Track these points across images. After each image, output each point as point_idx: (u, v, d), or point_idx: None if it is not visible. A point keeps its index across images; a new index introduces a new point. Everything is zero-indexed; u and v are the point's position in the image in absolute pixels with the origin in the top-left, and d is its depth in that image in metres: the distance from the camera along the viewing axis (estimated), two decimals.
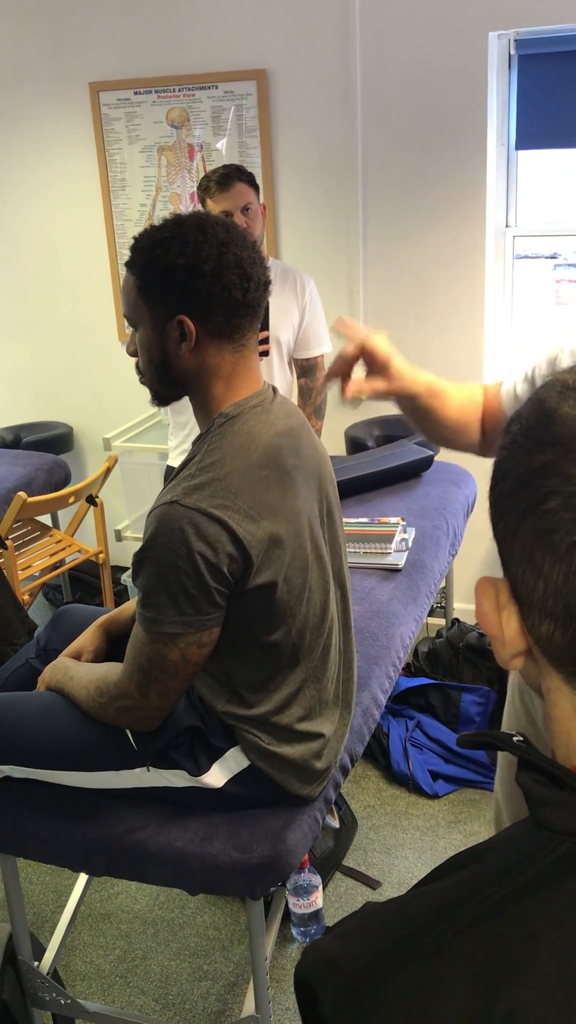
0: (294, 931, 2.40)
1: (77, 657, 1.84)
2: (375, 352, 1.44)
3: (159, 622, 1.46)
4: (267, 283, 1.54)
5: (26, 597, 3.40)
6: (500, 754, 1.61)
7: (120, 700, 1.58)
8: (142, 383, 1.59)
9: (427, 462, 3.15)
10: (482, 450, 1.58)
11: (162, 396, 1.60)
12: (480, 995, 0.51)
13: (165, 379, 1.55)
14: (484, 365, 3.50)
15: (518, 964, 0.51)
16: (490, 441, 1.56)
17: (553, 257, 3.51)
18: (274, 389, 1.64)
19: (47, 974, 2.03)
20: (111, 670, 1.63)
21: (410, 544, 2.65)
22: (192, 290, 1.46)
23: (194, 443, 1.56)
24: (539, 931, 0.52)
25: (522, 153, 3.34)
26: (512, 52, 3.20)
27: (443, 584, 3.34)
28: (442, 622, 3.53)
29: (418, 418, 1.53)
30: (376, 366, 1.45)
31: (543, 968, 0.50)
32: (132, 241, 1.53)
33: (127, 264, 1.52)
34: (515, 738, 0.60)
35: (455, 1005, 0.51)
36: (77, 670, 1.73)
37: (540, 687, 0.62)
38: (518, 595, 0.60)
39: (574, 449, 0.55)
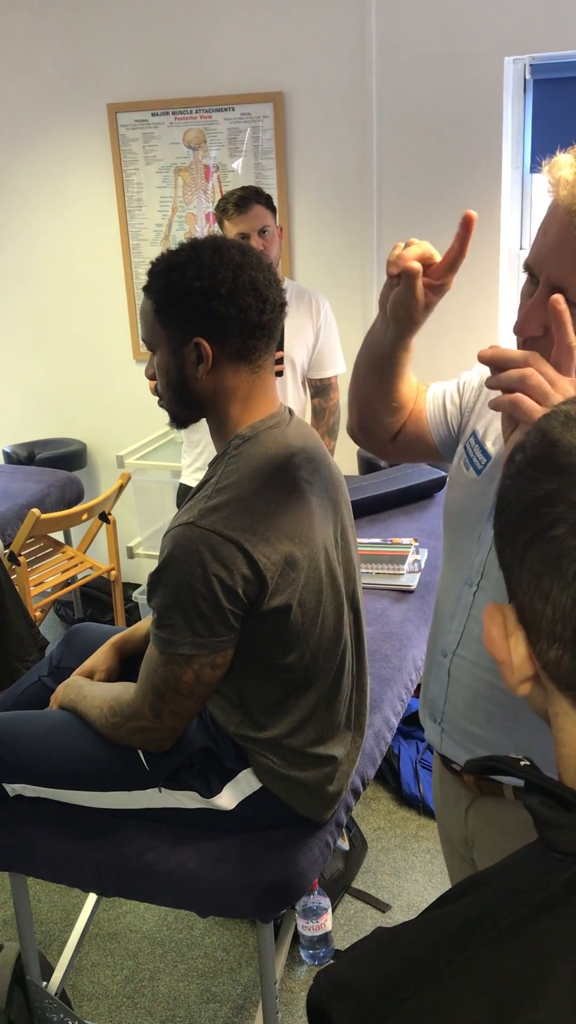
0: (303, 953, 2.38)
1: (90, 676, 1.84)
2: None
3: (174, 643, 1.46)
4: (283, 305, 1.55)
5: (38, 613, 3.41)
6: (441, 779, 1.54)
7: (133, 720, 1.58)
8: (160, 406, 1.60)
9: (439, 483, 3.15)
10: (386, 447, 1.49)
11: (180, 418, 1.61)
12: (493, 1017, 0.51)
13: (183, 401, 1.56)
14: None
15: (531, 986, 0.51)
16: (399, 442, 1.46)
17: None
18: (290, 411, 1.65)
19: (55, 994, 2.02)
20: (124, 690, 1.63)
21: (423, 565, 2.65)
22: (208, 313, 1.47)
23: (210, 464, 1.57)
24: (551, 953, 0.52)
25: (536, 176, 3.36)
26: (527, 77, 3.22)
27: None
28: None
29: (381, 372, 1.38)
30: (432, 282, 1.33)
31: (556, 989, 0.51)
32: (149, 265, 1.55)
33: (144, 288, 1.54)
34: (521, 762, 0.61)
35: None
36: (90, 689, 1.73)
37: (546, 712, 0.63)
38: (526, 621, 0.61)
39: None
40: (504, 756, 0.62)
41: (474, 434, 1.38)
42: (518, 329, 1.18)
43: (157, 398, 1.60)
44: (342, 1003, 0.58)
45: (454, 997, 0.53)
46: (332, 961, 2.38)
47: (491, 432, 1.36)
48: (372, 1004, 0.56)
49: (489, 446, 1.34)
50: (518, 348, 1.18)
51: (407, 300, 1.28)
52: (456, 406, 1.46)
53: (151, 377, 1.59)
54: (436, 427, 1.46)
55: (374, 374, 1.39)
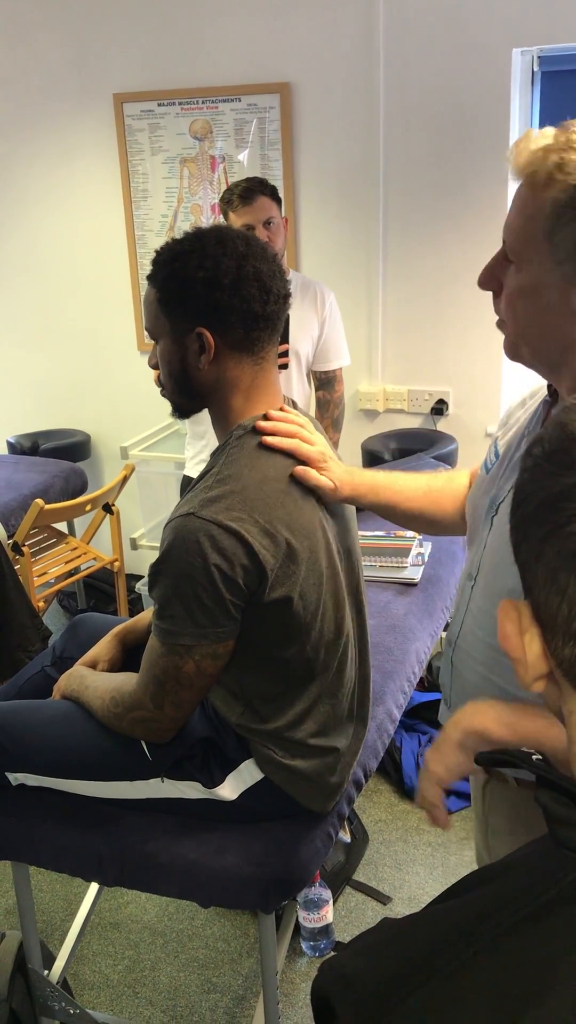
0: (304, 945, 2.39)
1: (93, 666, 1.85)
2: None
3: (175, 633, 1.46)
4: (287, 296, 1.54)
5: (41, 604, 3.41)
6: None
7: (135, 711, 1.58)
8: (163, 395, 1.60)
9: None
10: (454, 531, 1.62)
11: (183, 408, 1.60)
12: (499, 1015, 0.51)
13: (185, 391, 1.56)
14: (502, 382, 3.49)
15: (538, 985, 0.51)
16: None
17: None
18: (294, 403, 1.64)
19: (57, 983, 2.03)
20: (127, 680, 1.63)
21: (426, 558, 2.65)
22: (211, 303, 1.46)
23: (212, 455, 1.57)
24: (559, 952, 0.51)
25: None
26: (535, 69, 3.20)
27: None
28: None
29: (387, 515, 1.62)
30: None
31: (563, 989, 0.50)
32: (153, 254, 1.54)
33: (148, 277, 1.53)
34: (534, 756, 0.60)
35: None
36: (93, 679, 1.73)
37: (560, 710, 0.62)
38: (541, 618, 0.60)
39: None
40: (516, 750, 0.61)
41: (495, 445, 1.44)
42: (478, 283, 1.28)
43: (160, 388, 1.60)
44: (346, 995, 0.58)
45: (460, 993, 0.53)
46: (334, 952, 2.38)
47: (506, 434, 1.40)
48: (376, 997, 0.56)
49: (500, 446, 1.38)
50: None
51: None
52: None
53: (154, 366, 1.59)
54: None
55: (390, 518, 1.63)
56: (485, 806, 1.45)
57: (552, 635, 0.59)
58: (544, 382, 1.32)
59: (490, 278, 1.24)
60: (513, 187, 1.20)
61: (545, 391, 1.33)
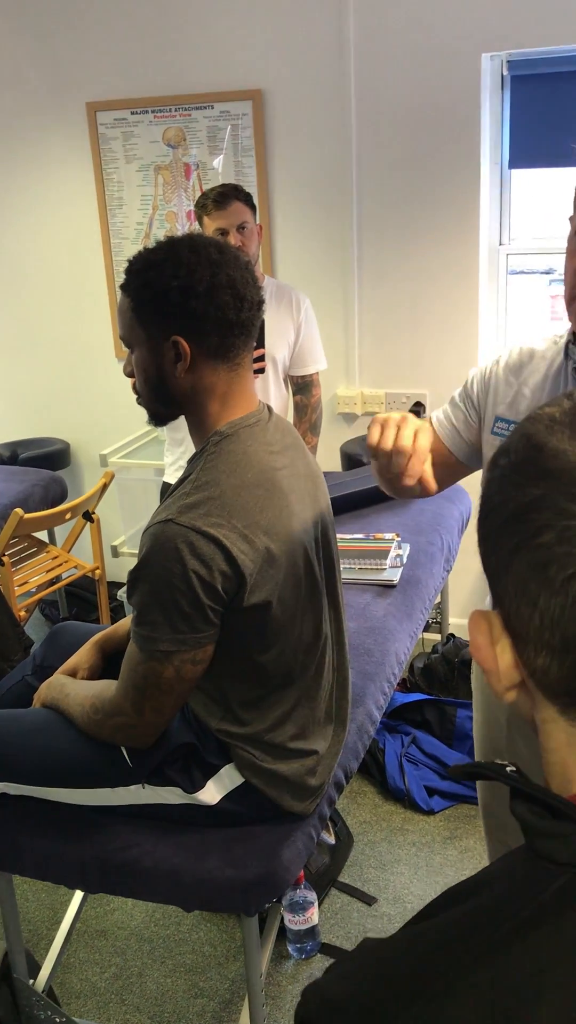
0: (290, 947, 2.39)
1: (73, 674, 1.85)
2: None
3: (154, 640, 1.47)
4: (261, 303, 1.55)
5: (22, 613, 3.41)
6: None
7: (115, 717, 1.59)
8: (139, 403, 1.61)
9: None
10: (424, 495, 1.57)
11: (159, 416, 1.61)
12: None
13: (161, 399, 1.57)
14: None
15: (525, 1002, 0.50)
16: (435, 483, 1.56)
17: (548, 272, 3.54)
18: (269, 408, 1.65)
19: (42, 992, 2.03)
20: (106, 687, 1.64)
21: (405, 560, 2.67)
22: (186, 311, 1.47)
23: (189, 461, 1.58)
24: (544, 967, 0.51)
25: (515, 171, 3.38)
26: (505, 73, 3.24)
27: (438, 600, 3.35)
28: (437, 637, 3.54)
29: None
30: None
31: (550, 1004, 0.50)
32: (127, 263, 1.55)
33: (122, 286, 1.54)
34: (508, 768, 0.59)
35: None
36: (73, 687, 1.73)
37: (533, 718, 0.62)
38: (512, 628, 0.59)
39: (565, 483, 0.55)
40: (490, 762, 0.60)
41: (501, 419, 1.47)
42: (568, 298, 1.34)
43: (136, 396, 1.61)
44: (331, 1020, 0.57)
45: (446, 1014, 0.52)
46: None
47: (519, 406, 1.46)
48: (362, 1022, 0.55)
49: (506, 411, 1.44)
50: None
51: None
52: (464, 410, 1.60)
53: (129, 375, 1.60)
54: (456, 446, 1.61)
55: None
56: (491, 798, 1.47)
57: (524, 645, 0.58)
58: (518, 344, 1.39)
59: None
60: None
61: (540, 348, 1.44)
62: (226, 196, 2.79)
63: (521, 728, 1.61)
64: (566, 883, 0.54)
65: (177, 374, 1.52)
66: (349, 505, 3.05)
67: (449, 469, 1.62)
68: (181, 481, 1.55)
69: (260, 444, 1.55)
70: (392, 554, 2.65)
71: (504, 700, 0.62)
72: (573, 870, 0.54)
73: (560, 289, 3.55)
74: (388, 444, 1.35)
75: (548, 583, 0.55)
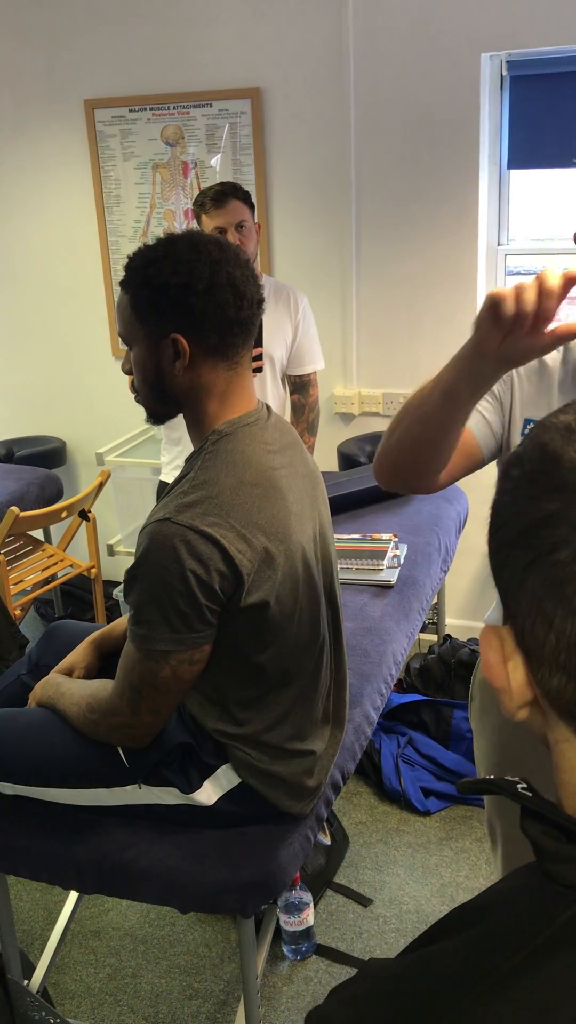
0: (285, 949, 2.39)
1: (69, 673, 1.84)
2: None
3: (151, 639, 1.46)
4: (260, 301, 1.55)
5: (18, 612, 3.39)
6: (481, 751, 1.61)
7: (111, 717, 1.58)
8: (137, 401, 1.60)
9: None
10: (433, 486, 1.45)
11: (157, 414, 1.60)
12: None
13: (160, 397, 1.56)
14: None
15: None
16: (448, 474, 1.44)
17: None
18: (268, 408, 1.65)
19: (36, 992, 2.02)
20: (102, 687, 1.63)
21: (402, 560, 2.66)
22: (186, 308, 1.46)
23: (187, 460, 1.57)
24: (560, 998, 0.49)
25: (514, 172, 3.37)
26: (504, 73, 3.23)
27: (435, 600, 3.35)
28: (434, 638, 3.54)
29: (450, 427, 1.30)
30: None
31: None
32: (126, 260, 1.54)
33: (121, 283, 1.53)
34: (519, 785, 0.57)
35: None
36: (68, 686, 1.72)
37: (545, 737, 0.60)
38: (525, 646, 0.57)
39: None
40: (500, 779, 0.58)
41: (530, 421, 1.39)
42: None
43: (134, 394, 1.60)
44: None
45: None
46: (315, 955, 2.38)
47: (545, 405, 1.37)
48: None
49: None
50: None
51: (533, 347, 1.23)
52: (493, 407, 1.46)
53: (127, 372, 1.59)
54: (485, 441, 1.45)
55: (438, 431, 1.31)
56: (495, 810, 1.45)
57: (538, 665, 0.56)
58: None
59: None
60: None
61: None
62: (224, 194, 2.78)
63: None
64: None
65: (176, 372, 1.51)
66: (346, 505, 3.04)
67: (471, 462, 1.47)
68: (179, 480, 1.54)
69: (258, 443, 1.54)
70: (389, 554, 2.64)
71: (516, 719, 0.59)
72: None
73: None
74: (530, 302, 1.18)
75: (565, 602, 0.53)
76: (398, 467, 1.39)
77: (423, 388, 1.31)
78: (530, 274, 3.49)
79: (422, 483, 1.42)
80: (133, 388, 1.59)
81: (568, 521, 0.53)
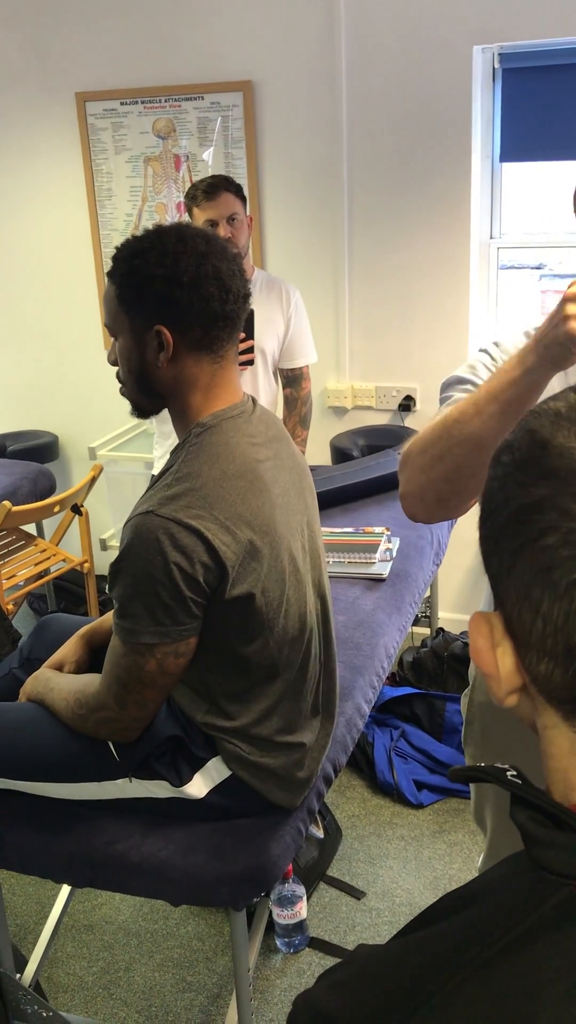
0: (278, 942, 2.39)
1: (59, 668, 1.84)
2: None
3: (135, 632, 1.46)
4: (247, 295, 1.54)
5: (10, 606, 3.39)
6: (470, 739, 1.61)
7: (99, 711, 1.57)
8: (122, 393, 1.60)
9: None
10: (467, 504, 1.33)
11: (142, 407, 1.60)
12: None
13: (143, 389, 1.56)
14: None
15: (523, 1018, 0.49)
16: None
17: (539, 268, 3.53)
18: (254, 400, 1.64)
19: (29, 986, 2.02)
20: (91, 681, 1.62)
21: (394, 554, 2.66)
22: (170, 300, 1.46)
23: (172, 453, 1.57)
24: (543, 981, 0.50)
25: (506, 165, 3.37)
26: (496, 66, 3.22)
27: (428, 594, 3.35)
28: (427, 631, 3.54)
29: (499, 429, 1.21)
30: None
31: (548, 1020, 0.49)
32: (115, 251, 1.54)
33: (108, 274, 1.53)
34: (509, 773, 0.57)
35: None
36: (57, 681, 1.72)
37: (534, 723, 0.61)
38: (514, 632, 0.58)
39: (571, 483, 0.53)
40: (490, 766, 0.58)
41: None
42: None
43: (120, 385, 1.60)
44: None
45: None
46: (308, 948, 2.39)
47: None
48: None
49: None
50: None
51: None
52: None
53: (113, 363, 1.58)
54: None
55: (494, 446, 1.21)
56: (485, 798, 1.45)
57: (526, 650, 0.57)
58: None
59: None
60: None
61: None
62: (216, 187, 2.77)
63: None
64: (567, 896, 0.52)
65: (159, 364, 1.50)
66: (339, 499, 3.04)
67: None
68: (163, 472, 1.53)
69: (243, 436, 1.54)
70: (382, 548, 2.64)
71: (504, 705, 0.60)
72: (573, 882, 0.52)
73: (551, 284, 3.55)
74: None
75: (552, 587, 0.53)
76: (442, 498, 1.30)
77: (463, 411, 1.23)
78: (523, 268, 3.50)
79: (464, 507, 1.32)
80: (119, 379, 1.59)
81: (556, 507, 0.53)
